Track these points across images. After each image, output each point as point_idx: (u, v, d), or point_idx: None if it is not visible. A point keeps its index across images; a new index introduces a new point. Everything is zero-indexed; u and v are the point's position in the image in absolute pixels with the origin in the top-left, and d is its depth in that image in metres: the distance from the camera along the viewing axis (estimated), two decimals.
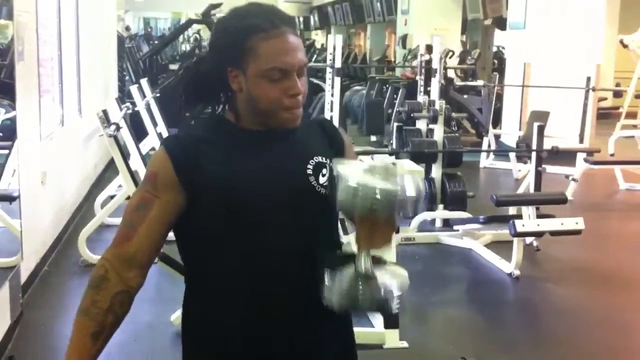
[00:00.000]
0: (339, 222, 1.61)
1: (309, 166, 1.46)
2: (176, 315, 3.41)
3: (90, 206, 5.72)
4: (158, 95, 7.71)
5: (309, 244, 1.44)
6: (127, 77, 11.69)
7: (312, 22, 22.23)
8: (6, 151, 3.79)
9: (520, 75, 8.76)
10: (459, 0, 13.18)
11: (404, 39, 13.61)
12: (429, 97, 7.33)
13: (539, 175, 5.27)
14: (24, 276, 3.91)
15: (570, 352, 3.64)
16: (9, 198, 3.71)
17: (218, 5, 11.44)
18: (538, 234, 4.66)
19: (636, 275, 4.91)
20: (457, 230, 5.36)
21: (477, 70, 11.33)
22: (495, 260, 4.80)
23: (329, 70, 8.50)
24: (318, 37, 22.51)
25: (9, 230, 3.77)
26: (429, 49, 9.26)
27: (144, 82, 7.68)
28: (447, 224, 5.57)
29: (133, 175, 4.52)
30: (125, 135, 5.60)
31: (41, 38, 4.50)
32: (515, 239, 4.51)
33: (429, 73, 8.69)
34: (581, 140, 7.89)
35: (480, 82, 9.50)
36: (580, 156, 6.91)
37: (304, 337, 1.47)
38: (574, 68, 8.39)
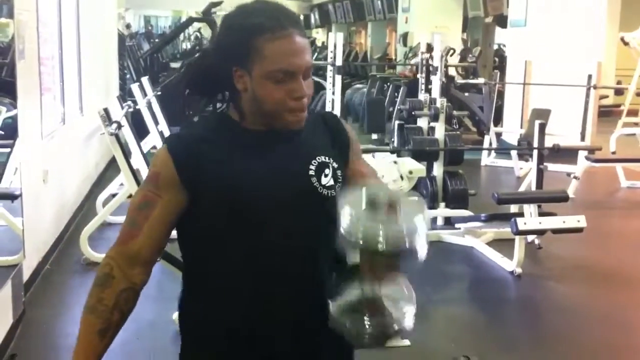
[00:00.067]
0: None
1: (311, 167, 1.45)
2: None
3: (91, 204, 5.72)
4: (159, 93, 7.70)
5: (311, 244, 1.44)
6: (128, 76, 11.68)
7: (312, 20, 22.22)
8: (8, 150, 3.79)
9: (522, 73, 8.75)
10: None
11: (404, 36, 13.61)
12: (430, 95, 7.33)
13: (540, 173, 5.26)
14: (26, 274, 3.91)
15: (571, 350, 3.64)
16: (11, 196, 3.71)
17: (219, 4, 11.43)
18: (540, 232, 4.66)
19: (637, 273, 4.91)
20: (459, 228, 5.36)
21: (478, 68, 11.32)
22: (497, 258, 4.80)
23: (329, 68, 8.50)
24: (319, 35, 22.51)
25: (11, 228, 3.78)
26: (429, 47, 9.25)
27: (145, 80, 7.68)
28: (449, 222, 5.57)
29: (134, 173, 4.52)
30: (127, 133, 5.59)
31: (42, 36, 4.49)
32: (517, 237, 4.51)
33: (429, 71, 8.69)
34: (582, 138, 7.88)
35: (481, 80, 9.50)
36: (582, 154, 6.91)
37: (306, 337, 1.47)
38: (575, 66, 8.38)
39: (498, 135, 8.83)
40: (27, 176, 3.90)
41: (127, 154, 4.67)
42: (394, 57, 15.41)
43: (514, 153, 7.79)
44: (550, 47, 8.87)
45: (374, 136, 9.85)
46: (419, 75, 9.12)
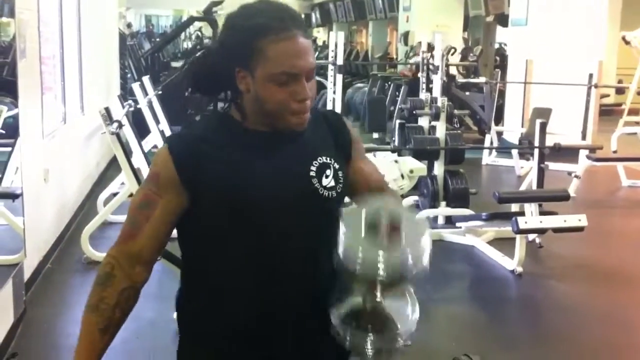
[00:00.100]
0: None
1: (312, 168, 1.45)
2: None
3: (92, 204, 5.73)
4: (160, 92, 7.70)
5: (311, 245, 1.44)
6: (129, 75, 11.67)
7: (313, 19, 22.22)
8: (9, 149, 3.79)
9: (523, 72, 8.75)
10: None
11: (405, 36, 13.61)
12: (431, 94, 7.33)
13: (541, 172, 5.26)
14: (27, 274, 3.91)
15: (572, 349, 3.64)
16: (12, 196, 3.72)
17: (220, 2, 11.42)
18: (540, 231, 4.66)
19: (638, 272, 4.91)
20: (460, 227, 5.36)
21: (479, 67, 11.32)
22: (498, 257, 4.80)
23: (330, 67, 8.51)
24: (320, 34, 22.50)
25: (12, 227, 3.78)
26: (430, 46, 9.24)
27: (145, 79, 7.68)
28: (450, 221, 5.57)
29: (135, 172, 4.52)
30: (128, 132, 5.59)
31: (43, 36, 4.50)
32: (518, 236, 4.51)
33: (429, 70, 8.69)
34: (583, 137, 7.88)
35: (482, 79, 9.50)
36: (583, 153, 6.91)
37: (305, 337, 1.47)
38: (576, 65, 8.38)
39: (499, 134, 8.83)
40: (28, 175, 3.91)
41: (128, 153, 4.67)
42: (395, 56, 15.41)
43: (515, 152, 7.79)
44: (551, 46, 8.87)
45: (375, 135, 9.84)
46: (420, 75, 9.12)
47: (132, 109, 6.08)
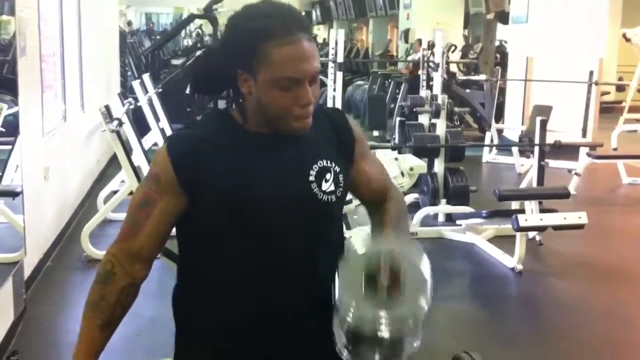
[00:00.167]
0: (342, 222, 1.60)
1: (311, 172, 1.44)
2: None
3: (93, 202, 5.72)
4: (160, 90, 7.70)
5: (311, 245, 1.44)
6: (129, 73, 11.67)
7: (314, 17, 22.21)
8: (9, 147, 3.79)
9: (523, 70, 8.74)
10: None
11: (406, 33, 13.61)
12: (432, 91, 7.33)
13: (541, 169, 5.26)
14: (27, 272, 3.91)
15: (572, 346, 3.64)
16: (12, 194, 3.71)
17: (220, 0, 11.41)
18: (541, 229, 4.65)
19: (639, 269, 4.91)
20: (460, 225, 5.36)
21: (480, 64, 11.32)
22: (498, 255, 4.80)
23: (331, 65, 8.49)
24: (320, 31, 22.49)
25: (12, 225, 3.78)
26: (429, 44, 9.24)
27: (146, 77, 7.67)
28: (450, 219, 5.56)
29: (136, 170, 4.52)
30: (128, 130, 5.59)
31: (43, 34, 4.49)
32: (518, 234, 4.51)
33: (430, 67, 8.68)
34: (584, 135, 7.87)
35: (482, 77, 9.50)
36: (583, 150, 6.90)
37: (304, 337, 1.47)
38: (576, 62, 8.37)
39: (499, 131, 8.82)
40: (28, 173, 3.91)
41: (128, 151, 4.67)
42: (395, 54, 15.40)
43: (515, 149, 7.78)
44: (551, 44, 8.86)
45: (375, 133, 9.84)
46: (420, 72, 9.11)
47: (132, 106, 6.07)
